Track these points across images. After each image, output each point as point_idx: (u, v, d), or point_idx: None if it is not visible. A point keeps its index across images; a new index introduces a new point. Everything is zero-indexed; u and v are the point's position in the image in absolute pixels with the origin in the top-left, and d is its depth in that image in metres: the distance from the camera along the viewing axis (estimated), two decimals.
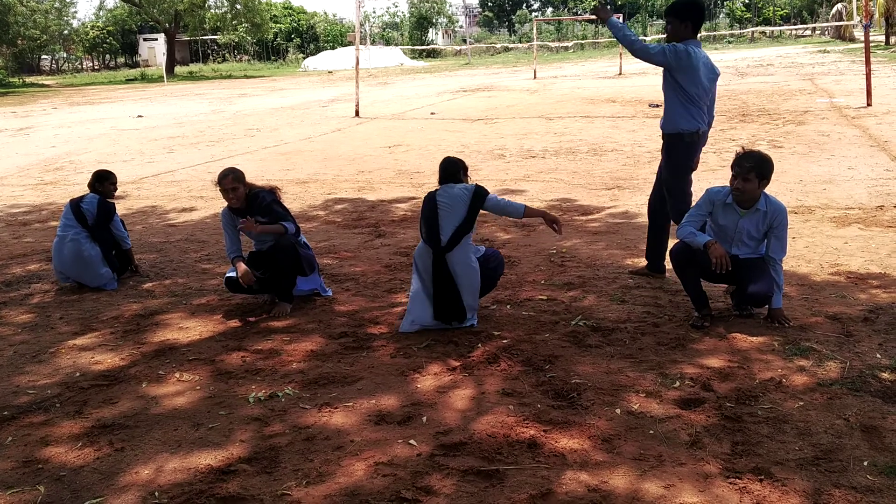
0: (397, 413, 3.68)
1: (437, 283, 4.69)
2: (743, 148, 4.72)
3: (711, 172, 9.41)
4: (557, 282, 5.66)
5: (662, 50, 5.31)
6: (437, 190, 4.95)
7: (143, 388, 4.10)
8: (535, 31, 37.64)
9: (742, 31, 54.65)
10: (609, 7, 8.42)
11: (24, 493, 3.13)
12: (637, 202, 8.27)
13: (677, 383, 3.88)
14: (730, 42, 52.94)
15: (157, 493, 3.06)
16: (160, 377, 4.23)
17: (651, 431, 3.41)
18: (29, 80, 52.69)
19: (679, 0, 5.42)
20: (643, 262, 5.92)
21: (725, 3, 64.99)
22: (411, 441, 3.39)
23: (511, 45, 55.31)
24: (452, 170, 5.02)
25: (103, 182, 6.17)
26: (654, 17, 65.14)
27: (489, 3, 75.83)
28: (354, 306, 5.34)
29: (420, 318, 4.75)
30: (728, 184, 4.73)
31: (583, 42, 53.99)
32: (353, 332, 4.81)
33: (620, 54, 30.84)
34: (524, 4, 74.74)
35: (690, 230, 4.68)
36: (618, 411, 3.60)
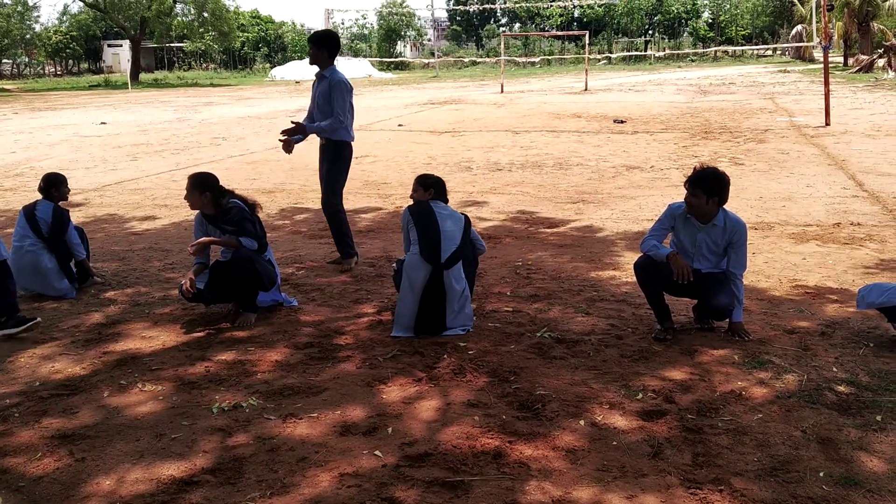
0: (363, 424, 3.68)
1: (426, 297, 4.75)
2: (701, 164, 4.82)
3: (674, 188, 9.56)
4: (523, 293, 5.71)
5: None
6: (425, 204, 5.02)
7: (104, 397, 4.04)
8: (502, 45, 37.96)
9: (705, 49, 55.72)
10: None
11: None
12: (601, 216, 8.38)
13: (640, 395, 3.93)
14: (693, 60, 53.89)
15: None
16: (122, 387, 4.17)
17: (614, 443, 3.45)
18: None
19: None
20: (606, 274, 5.99)
21: (689, 21, 66.15)
22: (377, 452, 3.39)
23: (479, 59, 55.69)
24: (444, 189, 5.22)
25: (58, 186, 6.04)
26: (620, 35, 66.04)
27: (458, 17, 76.28)
28: (320, 317, 5.33)
29: (407, 327, 4.84)
30: None
31: (549, 58, 54.63)
32: (319, 343, 4.80)
33: (586, 70, 31.21)
34: (492, 19, 75.31)
35: (653, 243, 4.76)
36: (582, 423, 3.64)
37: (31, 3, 51.30)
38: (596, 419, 3.67)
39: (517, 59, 54.38)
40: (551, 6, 58.28)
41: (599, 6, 58.19)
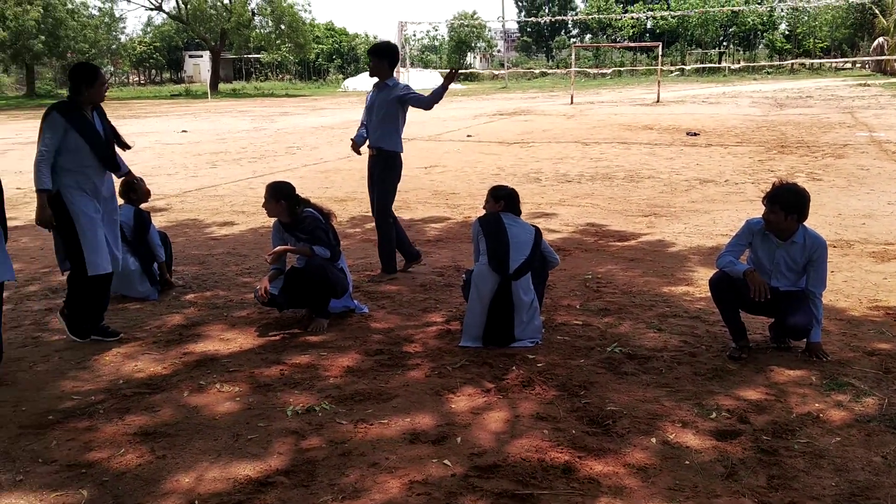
0: (432, 432, 3.72)
1: (494, 308, 4.78)
2: (779, 180, 4.72)
3: (749, 203, 9.37)
4: (593, 307, 5.68)
5: None
6: (496, 216, 5.06)
7: (184, 397, 4.18)
8: (573, 56, 37.73)
9: (782, 62, 54.29)
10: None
11: (68, 496, 3.21)
12: (674, 230, 8.26)
13: (714, 414, 3.87)
14: (769, 73, 52.60)
15: (197, 502, 3.13)
16: (201, 387, 4.31)
17: (686, 462, 3.41)
18: None
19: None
20: (679, 290, 5.91)
21: (765, 33, 64.65)
22: (445, 461, 3.42)
23: (549, 71, 55.47)
24: (516, 200, 5.22)
25: (136, 191, 6.28)
26: (693, 46, 64.95)
27: (528, 29, 76.22)
28: (390, 324, 5.40)
29: (475, 338, 4.87)
30: None
31: (621, 69, 54.01)
32: (389, 350, 4.87)
33: (658, 82, 30.79)
34: (563, 30, 74.99)
35: (730, 259, 4.68)
36: (653, 440, 3.60)
37: (117, 15, 53.45)
38: (668, 437, 3.63)
39: (588, 70, 53.98)
40: (623, 17, 57.70)
41: (673, 17, 57.33)
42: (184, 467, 3.41)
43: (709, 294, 4.92)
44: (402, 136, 6.70)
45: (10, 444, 3.66)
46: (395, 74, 6.65)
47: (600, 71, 53.68)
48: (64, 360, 4.79)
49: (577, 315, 5.51)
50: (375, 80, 6.60)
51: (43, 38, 41.92)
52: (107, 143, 5.03)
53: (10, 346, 5.07)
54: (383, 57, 6.47)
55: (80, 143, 4.85)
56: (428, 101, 6.45)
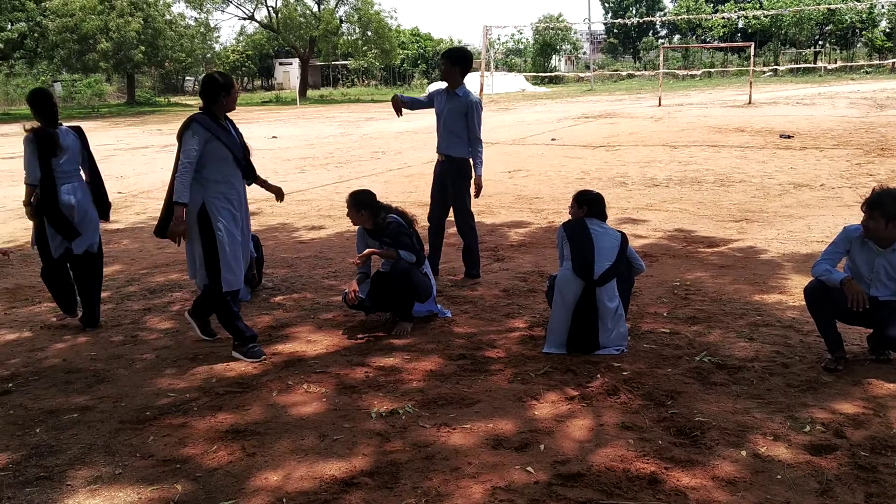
0: (514, 438, 3.70)
1: (578, 314, 4.74)
2: (879, 185, 4.52)
3: (847, 208, 8.99)
4: (681, 315, 5.55)
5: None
6: (580, 221, 5.02)
7: (273, 396, 4.30)
8: (661, 58, 36.94)
9: (882, 61, 51.84)
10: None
11: (164, 490, 3.34)
12: (766, 236, 8.00)
13: (807, 428, 3.72)
14: (868, 72, 50.31)
15: (285, 500, 3.21)
16: (289, 387, 4.42)
17: (778, 476, 3.29)
18: (173, 99, 56.23)
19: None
20: (772, 298, 5.72)
21: (864, 31, 61.89)
22: (528, 468, 3.41)
23: (635, 72, 54.55)
24: (603, 206, 5.16)
25: None
26: (787, 46, 62.76)
27: (615, 30, 75.16)
28: (472, 329, 5.41)
29: (559, 344, 4.83)
30: None
31: (711, 70, 52.63)
32: (472, 355, 4.88)
33: (750, 83, 29.90)
34: (651, 31, 73.65)
35: (826, 267, 4.51)
36: (743, 453, 3.49)
37: (212, 25, 55.41)
38: (759, 450, 3.51)
39: (676, 71, 52.82)
40: (714, 17, 56.20)
41: (766, 16, 55.50)
42: (272, 465, 3.50)
43: (803, 303, 4.74)
44: (485, 140, 6.70)
45: (110, 438, 3.84)
46: (484, 77, 6.66)
47: (689, 72, 52.43)
48: (160, 359, 4.99)
49: (664, 323, 5.40)
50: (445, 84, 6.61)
51: (143, 48, 43.79)
52: (244, 152, 5.04)
53: (111, 344, 5.32)
54: (456, 63, 6.44)
55: (225, 153, 4.83)
56: (476, 142, 6.47)
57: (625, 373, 4.47)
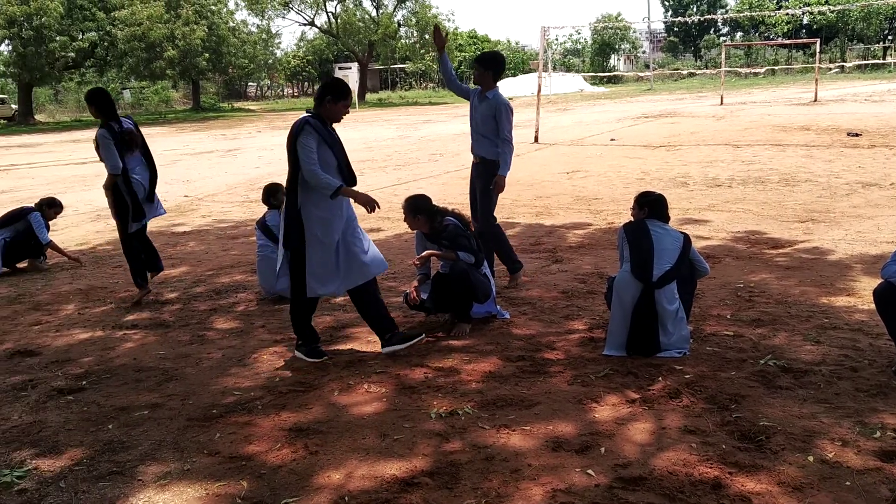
0: (575, 441, 3.69)
1: (638, 316, 4.69)
2: None
3: None
4: (745, 317, 5.44)
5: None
6: (641, 222, 4.97)
7: (334, 396, 4.36)
8: (723, 55, 36.22)
9: None
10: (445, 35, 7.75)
11: (230, 486, 3.42)
12: (833, 237, 7.79)
13: (878, 433, 3.62)
14: None
15: (346, 498, 3.26)
16: (350, 387, 4.48)
17: (847, 483, 3.20)
18: (237, 105, 57.55)
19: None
20: (840, 300, 5.57)
21: None
22: (589, 471, 3.39)
23: (696, 71, 53.60)
24: (665, 207, 5.10)
25: (275, 194, 6.66)
26: (854, 41, 60.85)
27: (675, 28, 74.01)
28: (531, 330, 5.40)
29: (619, 346, 4.80)
30: None
31: (774, 67, 51.39)
32: (531, 356, 4.87)
33: (816, 80, 29.09)
34: (712, 29, 72.28)
35: None
36: (810, 459, 3.41)
37: (273, 31, 56.44)
38: (826, 456, 3.43)
39: (739, 69, 51.72)
40: (777, 13, 54.86)
41: (832, 12, 53.87)
42: (334, 464, 3.56)
43: (872, 305, 4.60)
44: (542, 141, 6.65)
45: (178, 435, 3.95)
46: (541, 78, 6.61)
47: (752, 70, 51.29)
48: (226, 358, 5.11)
49: (727, 325, 5.30)
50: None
51: (207, 55, 44.87)
52: (347, 160, 4.93)
53: (179, 344, 5.47)
54: (488, 67, 6.41)
55: (331, 159, 4.78)
56: (504, 144, 6.40)
57: (687, 376, 4.41)
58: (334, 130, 4.93)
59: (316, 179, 4.67)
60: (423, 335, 5.13)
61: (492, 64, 6.46)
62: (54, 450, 3.84)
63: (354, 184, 4.94)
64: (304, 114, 4.85)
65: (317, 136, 4.72)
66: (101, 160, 6.34)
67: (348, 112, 4.92)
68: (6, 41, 40.72)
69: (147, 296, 6.66)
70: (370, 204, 4.76)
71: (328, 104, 4.80)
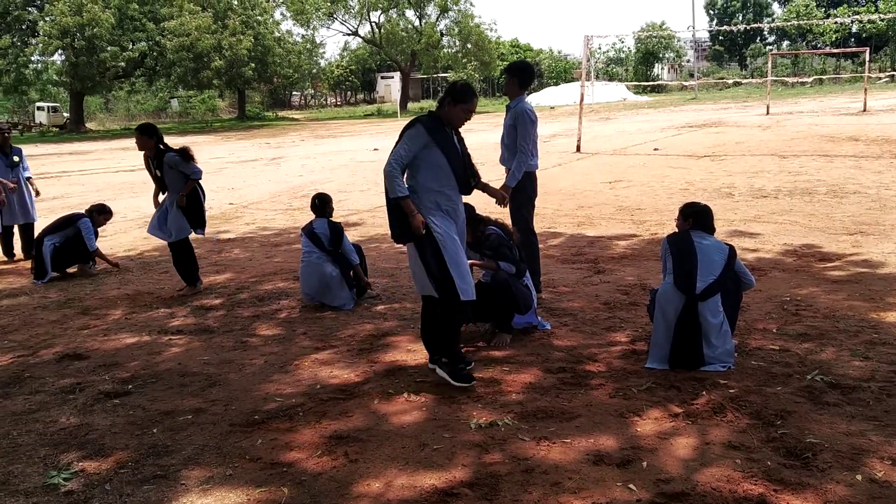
0: (616, 455, 3.65)
1: (681, 329, 4.64)
2: None
3: None
4: (791, 332, 5.34)
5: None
6: (685, 233, 4.92)
7: (374, 404, 4.38)
8: (769, 64, 35.65)
9: None
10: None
11: (271, 492, 3.45)
12: (884, 250, 7.61)
13: None
14: None
15: None
16: (389, 395, 4.50)
17: None
18: (281, 114, 58.34)
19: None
20: (890, 315, 5.43)
21: None
22: (630, 485, 3.35)
23: (742, 80, 52.85)
24: (711, 218, 5.03)
25: (328, 204, 6.80)
26: None
27: (720, 37, 73.12)
28: (572, 342, 5.37)
29: (662, 359, 4.74)
30: None
31: (822, 77, 50.43)
32: (572, 368, 4.84)
33: (865, 89, 28.48)
34: (758, 38, 71.26)
35: None
36: (859, 477, 3.33)
37: (318, 41, 57.19)
38: (875, 475, 3.34)
39: (785, 78, 50.86)
40: (825, 22, 53.88)
41: (882, 20, 52.72)
42: (374, 472, 3.57)
43: None
44: (584, 151, 6.56)
45: (221, 440, 4.00)
46: (584, 87, 6.56)
47: (799, 79, 50.41)
48: (268, 364, 5.17)
49: (773, 339, 5.20)
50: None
51: (253, 65, 45.60)
52: (464, 165, 4.74)
53: (222, 349, 5.55)
54: (514, 74, 6.37)
55: (442, 161, 4.58)
56: (519, 153, 6.23)
57: (731, 390, 4.34)
58: (456, 134, 4.75)
59: (387, 177, 4.55)
60: (475, 381, 4.63)
61: (517, 71, 6.42)
62: (100, 452, 3.92)
63: (468, 191, 4.79)
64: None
65: (427, 137, 4.56)
66: (169, 176, 7.08)
67: (469, 117, 4.71)
68: (59, 51, 41.82)
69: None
70: (418, 230, 4.53)
71: (447, 107, 4.64)
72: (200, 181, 7.23)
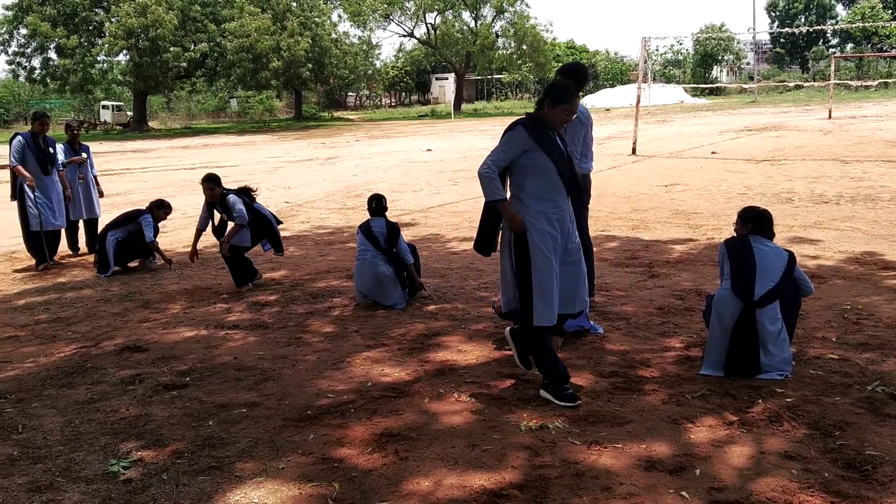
0: (668, 461, 3.60)
1: (737, 336, 4.56)
2: None
3: None
4: (851, 341, 5.20)
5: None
6: (743, 238, 4.83)
7: (424, 403, 4.40)
8: (832, 68, 34.76)
9: None
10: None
11: (322, 487, 3.49)
12: None
13: None
14: None
15: None
16: (440, 395, 4.52)
17: None
18: (336, 114, 58.97)
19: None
20: None
21: None
22: (683, 493, 3.30)
23: (804, 83, 51.60)
24: (770, 223, 4.94)
25: (383, 202, 6.88)
26: None
27: (781, 40, 71.52)
28: (625, 346, 5.31)
29: (717, 365, 4.66)
30: None
31: (888, 80, 48.94)
32: (624, 373, 4.79)
33: None
34: (821, 40, 69.48)
35: None
36: None
37: (373, 43, 57.67)
38: None
39: (849, 82, 49.49)
40: (891, 24, 52.24)
41: None
42: (424, 471, 3.59)
43: None
44: (639, 153, 6.45)
45: (274, 434, 4.07)
46: (640, 89, 6.47)
47: (863, 83, 49.00)
48: (321, 361, 5.24)
49: (832, 348, 5.07)
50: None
51: (310, 66, 46.20)
52: (570, 168, 4.43)
53: (277, 345, 5.64)
54: (567, 77, 6.19)
55: (548, 165, 4.30)
56: (572, 154, 6.10)
57: (788, 399, 4.24)
58: (559, 135, 4.47)
59: (482, 180, 4.32)
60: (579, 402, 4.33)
61: (569, 73, 6.30)
62: (158, 443, 4.02)
63: (576, 196, 4.49)
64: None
65: (528, 139, 4.30)
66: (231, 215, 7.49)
67: (570, 118, 4.44)
68: (124, 51, 42.99)
69: None
70: (517, 231, 4.29)
71: (547, 108, 4.37)
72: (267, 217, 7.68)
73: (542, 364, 4.42)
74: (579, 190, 4.47)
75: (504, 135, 4.40)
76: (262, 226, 7.61)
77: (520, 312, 4.46)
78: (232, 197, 7.43)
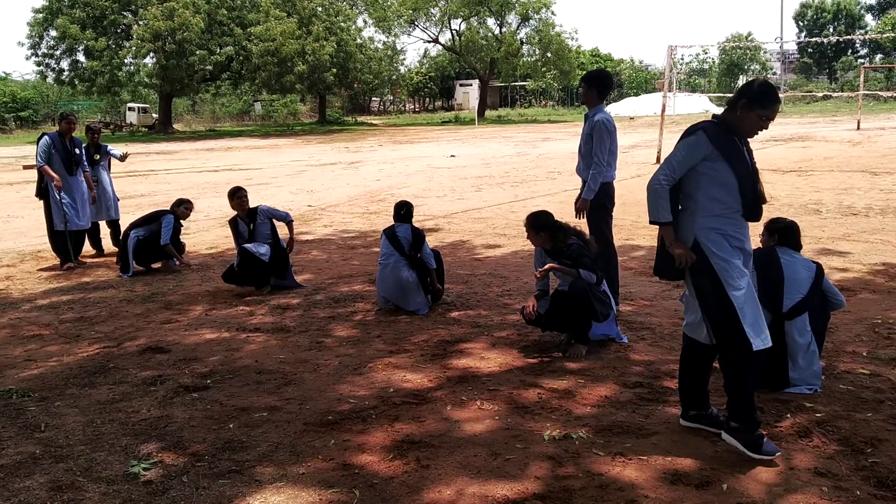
0: (694, 475, 3.53)
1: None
2: None
3: None
4: (883, 356, 5.09)
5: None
6: (771, 250, 4.75)
7: (447, 410, 4.36)
8: (861, 78, 34.33)
9: None
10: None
11: (342, 493, 3.46)
12: None
13: None
14: None
15: None
16: (462, 402, 4.47)
17: None
18: (360, 119, 59.16)
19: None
20: None
21: None
22: None
23: (832, 94, 51.04)
24: (797, 234, 4.86)
25: (412, 209, 6.86)
26: None
27: (809, 50, 70.86)
28: (650, 356, 5.24)
29: None
30: None
31: None
32: (649, 384, 4.72)
33: None
34: (849, 51, 68.74)
35: None
36: None
37: (398, 48, 57.83)
38: None
39: (878, 92, 48.86)
40: None
41: None
42: (445, 479, 3.54)
43: None
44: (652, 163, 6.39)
45: (295, 439, 4.04)
46: (665, 98, 6.40)
47: (893, 94, 48.37)
48: (343, 366, 5.21)
49: (863, 363, 4.97)
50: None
51: (335, 70, 46.40)
52: (755, 185, 3.81)
53: (298, 349, 5.62)
54: (592, 85, 6.24)
55: (730, 179, 3.71)
56: (595, 165, 6.09)
57: (818, 414, 4.15)
58: (746, 144, 3.84)
59: (650, 194, 3.86)
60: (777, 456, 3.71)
61: (594, 81, 6.30)
62: (179, 445, 4.01)
63: (756, 217, 3.82)
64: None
65: (709, 147, 3.70)
66: (262, 227, 7.72)
67: (766, 126, 3.76)
68: (151, 54, 43.41)
69: None
70: (680, 260, 3.83)
71: (741, 110, 3.70)
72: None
73: (741, 405, 3.73)
74: (760, 212, 3.84)
75: (681, 140, 3.84)
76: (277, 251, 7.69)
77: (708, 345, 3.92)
78: (264, 207, 7.80)
